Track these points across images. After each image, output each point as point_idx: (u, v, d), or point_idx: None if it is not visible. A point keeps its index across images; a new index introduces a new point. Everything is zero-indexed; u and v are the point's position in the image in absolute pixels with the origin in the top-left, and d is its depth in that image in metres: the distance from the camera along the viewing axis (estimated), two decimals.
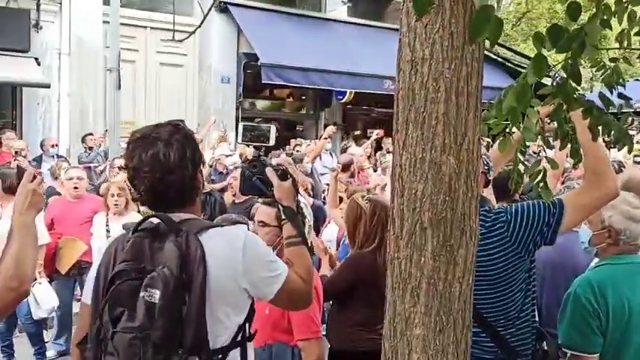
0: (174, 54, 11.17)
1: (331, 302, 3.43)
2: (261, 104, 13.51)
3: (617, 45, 1.67)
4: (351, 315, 3.13)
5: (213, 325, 1.63)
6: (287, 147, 10.29)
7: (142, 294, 1.55)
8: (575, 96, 1.86)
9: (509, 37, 18.84)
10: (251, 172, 2.02)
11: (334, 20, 12.43)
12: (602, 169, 2.21)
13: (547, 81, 1.86)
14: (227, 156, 8.13)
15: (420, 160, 1.61)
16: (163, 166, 1.67)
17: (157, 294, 1.54)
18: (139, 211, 5.65)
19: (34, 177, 1.94)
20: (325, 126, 13.08)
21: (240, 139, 2.12)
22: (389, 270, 1.68)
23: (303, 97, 13.73)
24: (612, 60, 1.94)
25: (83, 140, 9.11)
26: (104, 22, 9.65)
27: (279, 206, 1.97)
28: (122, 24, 9.16)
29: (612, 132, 1.89)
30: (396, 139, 1.67)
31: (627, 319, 2.36)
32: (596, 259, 2.68)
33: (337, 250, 4.93)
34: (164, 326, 1.54)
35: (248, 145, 3.05)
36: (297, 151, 9.45)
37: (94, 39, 9.99)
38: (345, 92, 12.22)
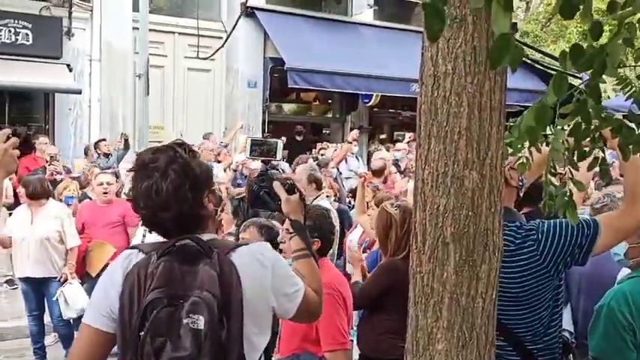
0: (201, 59, 11.30)
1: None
2: (287, 108, 13.59)
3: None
4: (382, 322, 3.13)
5: (247, 348, 1.60)
6: (313, 150, 10.33)
7: (185, 321, 1.49)
8: (603, 115, 1.83)
9: (539, 39, 18.56)
10: (259, 186, 2.04)
11: (360, 24, 12.41)
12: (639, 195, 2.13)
13: None
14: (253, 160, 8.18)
15: (442, 175, 1.61)
16: (155, 202, 1.60)
17: (201, 320, 1.49)
18: None
19: (8, 137, 1.83)
20: (352, 129, 13.10)
21: (248, 154, 2.12)
22: (411, 284, 1.68)
23: (330, 101, 13.75)
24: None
25: (96, 146, 9.06)
26: (134, 28, 9.83)
27: (287, 220, 1.98)
28: (151, 30, 9.31)
29: None
30: (419, 154, 1.67)
31: None
32: (627, 270, 2.63)
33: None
34: (211, 352, 1.49)
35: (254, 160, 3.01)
36: (323, 155, 9.46)
37: (123, 45, 10.18)
38: (371, 96, 12.20)
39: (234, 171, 7.82)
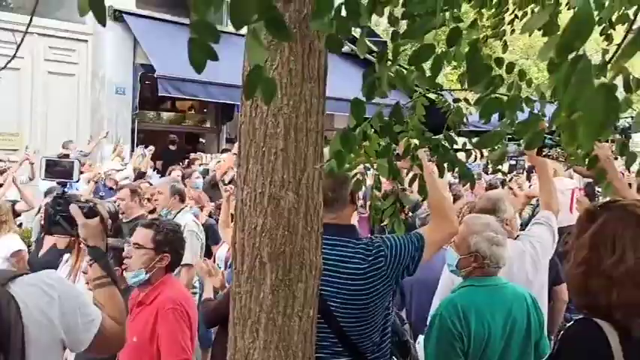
0: (64, 62, 10.64)
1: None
2: (160, 117, 13.19)
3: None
4: None
5: None
6: (185, 161, 10.09)
7: None
8: (423, 135, 1.95)
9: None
10: (54, 210, 1.92)
11: (235, 34, 12.31)
12: (445, 209, 2.34)
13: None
14: (118, 170, 7.82)
15: (259, 195, 1.61)
16: None
17: None
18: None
19: None
20: (227, 139, 12.95)
21: (42, 176, 2.01)
22: (230, 306, 1.67)
23: (205, 110, 13.54)
24: (455, 100, 2.06)
25: None
26: None
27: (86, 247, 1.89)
28: (5, 29, 8.59)
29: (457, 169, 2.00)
30: (238, 174, 1.67)
31: (486, 341, 2.50)
32: (447, 273, 2.84)
33: (226, 269, 4.86)
34: None
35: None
36: (202, 164, 9.25)
37: None
38: None
39: (96, 182, 7.41)
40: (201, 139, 13.81)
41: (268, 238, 1.60)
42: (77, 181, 2.07)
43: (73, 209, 1.88)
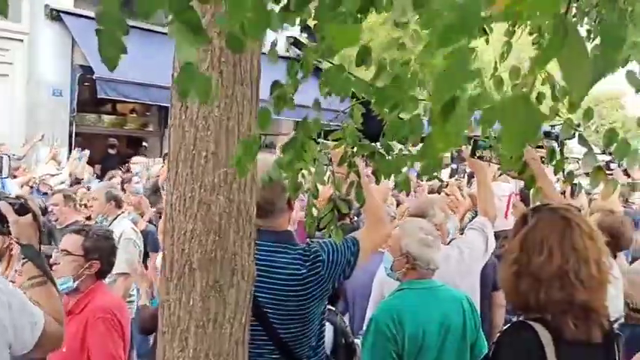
0: None
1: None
2: (101, 119, 12.81)
3: None
4: None
5: None
6: (125, 165, 9.81)
7: None
8: (360, 142, 1.95)
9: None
10: None
11: None
12: (380, 215, 2.37)
13: None
14: (53, 175, 7.51)
15: (189, 199, 1.57)
16: None
17: None
18: None
19: None
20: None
21: None
22: (159, 314, 1.62)
23: (148, 114, 13.24)
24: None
25: None
26: None
27: (19, 245, 1.84)
28: None
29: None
30: (168, 178, 1.62)
31: (421, 343, 2.52)
32: (383, 275, 2.87)
33: None
34: None
35: None
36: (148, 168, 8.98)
37: None
38: None
39: (31, 187, 7.09)
40: (144, 143, 13.49)
41: (198, 243, 1.56)
42: (6, 177, 1.98)
43: (4, 206, 1.79)
